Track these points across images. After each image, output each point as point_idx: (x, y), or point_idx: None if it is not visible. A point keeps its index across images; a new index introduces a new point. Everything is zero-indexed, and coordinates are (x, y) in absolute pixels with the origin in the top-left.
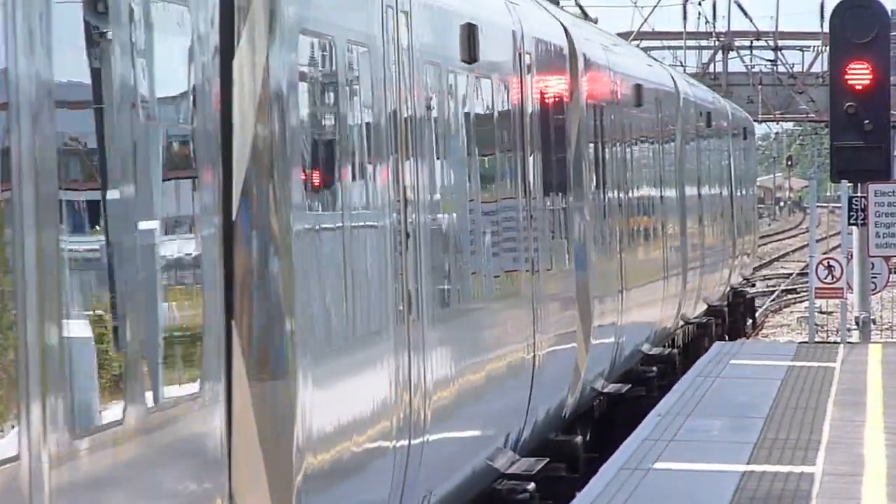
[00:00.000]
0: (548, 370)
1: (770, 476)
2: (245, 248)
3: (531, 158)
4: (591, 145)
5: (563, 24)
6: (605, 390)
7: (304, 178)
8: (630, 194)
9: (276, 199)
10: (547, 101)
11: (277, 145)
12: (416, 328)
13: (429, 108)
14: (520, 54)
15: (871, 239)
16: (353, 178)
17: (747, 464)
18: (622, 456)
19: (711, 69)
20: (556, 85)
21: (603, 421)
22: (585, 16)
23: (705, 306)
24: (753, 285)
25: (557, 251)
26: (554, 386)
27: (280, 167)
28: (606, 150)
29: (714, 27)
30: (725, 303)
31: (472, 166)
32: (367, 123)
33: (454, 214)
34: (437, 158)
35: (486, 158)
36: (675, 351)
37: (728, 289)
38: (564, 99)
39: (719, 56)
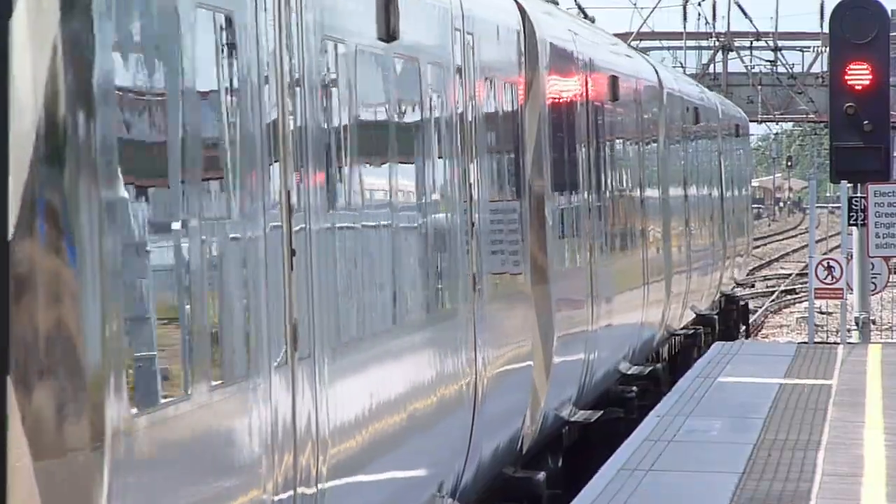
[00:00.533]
0: (495, 400)
1: (769, 477)
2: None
3: (474, 160)
4: (556, 144)
5: (518, 2)
6: (574, 418)
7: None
8: (604, 196)
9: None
10: (496, 92)
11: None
12: (304, 368)
13: (326, 96)
14: (458, 34)
15: (871, 239)
16: (204, 184)
17: (747, 464)
18: (622, 457)
19: (711, 70)
20: (507, 74)
21: (577, 448)
22: (584, 15)
23: (693, 315)
24: (753, 285)
25: (508, 261)
26: (504, 417)
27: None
28: (575, 150)
29: (714, 28)
30: (716, 311)
31: (392, 170)
32: (225, 120)
33: (362, 226)
34: (342, 163)
35: (412, 161)
36: (660, 366)
37: (719, 295)
38: (519, 91)
39: (719, 56)
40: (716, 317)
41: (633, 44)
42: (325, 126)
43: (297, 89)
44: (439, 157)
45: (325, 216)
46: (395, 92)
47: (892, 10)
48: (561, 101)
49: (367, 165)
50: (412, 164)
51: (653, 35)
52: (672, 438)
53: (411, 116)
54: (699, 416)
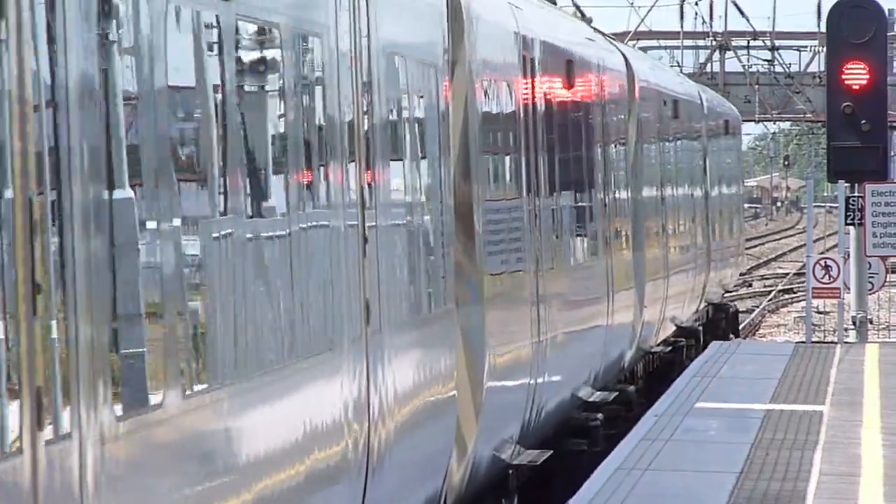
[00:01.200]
0: (399, 456)
1: (767, 476)
2: None
3: (374, 161)
4: (490, 141)
5: None
6: (517, 461)
7: None
8: (556, 199)
9: None
10: (403, 74)
11: None
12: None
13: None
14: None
15: (868, 239)
16: None
17: (744, 464)
18: (619, 456)
19: (708, 69)
20: (421, 53)
21: (535, 484)
22: (582, 15)
23: (674, 328)
24: (750, 284)
25: (419, 282)
26: (415, 476)
27: None
28: (518, 148)
29: (711, 27)
30: (700, 322)
31: (244, 173)
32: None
33: (189, 244)
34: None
35: (278, 157)
36: (631, 388)
37: (702, 304)
38: (439, 74)
39: (716, 56)
40: (700, 329)
41: (631, 43)
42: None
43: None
44: (320, 162)
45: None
46: (235, 64)
47: (889, 10)
48: (497, 89)
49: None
50: (281, 163)
51: (650, 34)
52: (669, 438)
53: (257, 98)
54: (696, 415)
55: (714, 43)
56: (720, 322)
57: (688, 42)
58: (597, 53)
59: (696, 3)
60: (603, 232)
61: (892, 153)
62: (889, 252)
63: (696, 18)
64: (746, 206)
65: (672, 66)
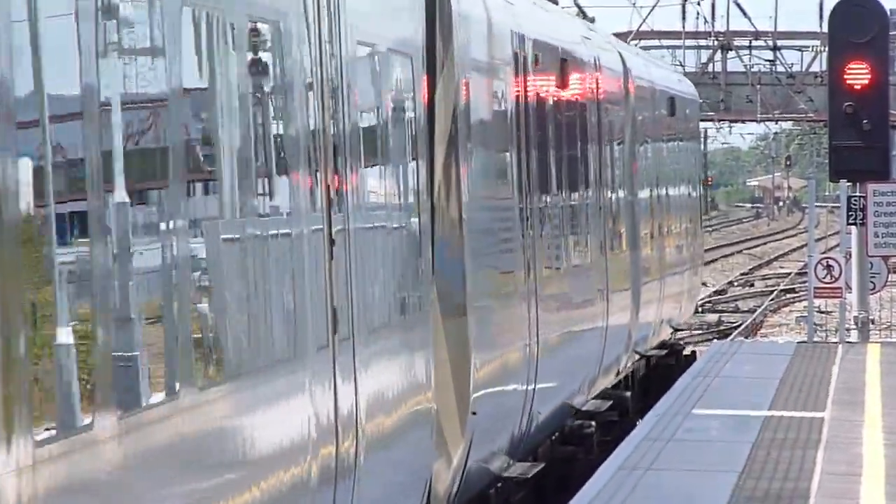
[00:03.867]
0: (370, 475)
1: (768, 475)
2: None
3: (344, 166)
4: (482, 141)
5: None
6: (507, 474)
7: None
8: (549, 200)
9: None
10: (382, 70)
11: None
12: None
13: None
14: None
15: (870, 238)
16: None
17: (746, 463)
18: (620, 456)
19: (710, 69)
20: (398, 46)
21: (528, 496)
22: (584, 15)
23: (583, 397)
24: (752, 284)
25: (390, 296)
26: (388, 495)
27: None
28: (503, 149)
29: (713, 27)
30: (629, 373)
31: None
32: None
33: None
34: None
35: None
36: (628, 394)
37: (629, 354)
38: (416, 70)
39: (718, 56)
40: (627, 396)
41: (633, 42)
42: None
43: None
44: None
45: None
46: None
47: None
48: (486, 87)
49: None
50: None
51: (652, 34)
52: (671, 437)
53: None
54: (698, 415)
55: (716, 43)
56: (669, 369)
57: (690, 42)
58: (590, 51)
59: (698, 3)
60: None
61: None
62: (891, 252)
63: (697, 18)
64: (748, 205)
65: (674, 66)
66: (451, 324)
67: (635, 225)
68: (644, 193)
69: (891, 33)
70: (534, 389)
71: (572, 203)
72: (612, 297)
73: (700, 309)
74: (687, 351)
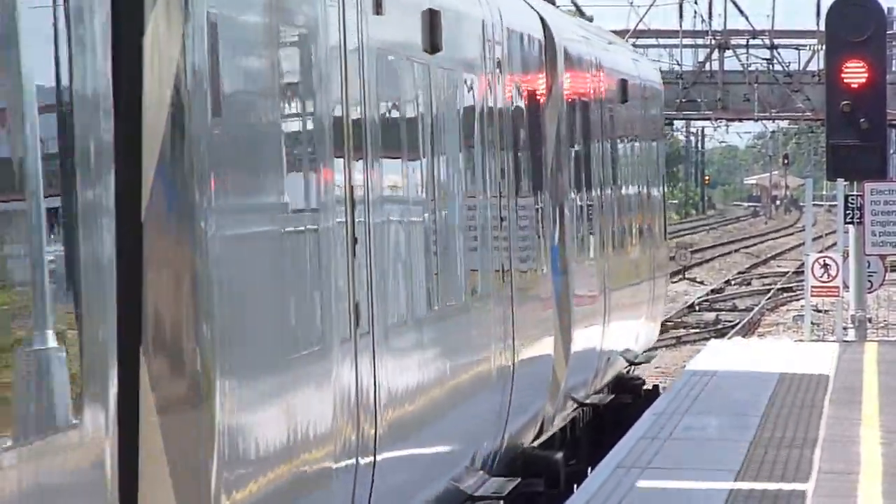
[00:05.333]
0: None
1: (766, 474)
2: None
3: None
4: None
5: None
6: None
7: None
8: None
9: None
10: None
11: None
12: None
13: None
14: None
15: (867, 237)
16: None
17: (743, 462)
18: (618, 455)
19: (707, 68)
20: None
21: None
22: (581, 14)
23: (478, 476)
24: (749, 283)
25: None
26: None
27: None
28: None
29: (710, 26)
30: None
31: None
32: None
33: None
34: None
35: None
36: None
37: (560, 403)
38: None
39: (715, 55)
40: (558, 459)
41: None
42: None
43: None
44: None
45: None
46: None
47: (888, 9)
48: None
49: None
50: None
51: (649, 33)
52: (668, 436)
53: None
54: (695, 414)
55: (713, 42)
56: (621, 412)
57: (687, 41)
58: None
59: (696, 2)
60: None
61: (892, 151)
62: (888, 250)
63: (695, 17)
64: (746, 204)
65: (671, 65)
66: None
67: (563, 236)
68: (580, 197)
69: (888, 32)
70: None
71: (448, 222)
72: (524, 331)
73: (697, 308)
74: (648, 385)
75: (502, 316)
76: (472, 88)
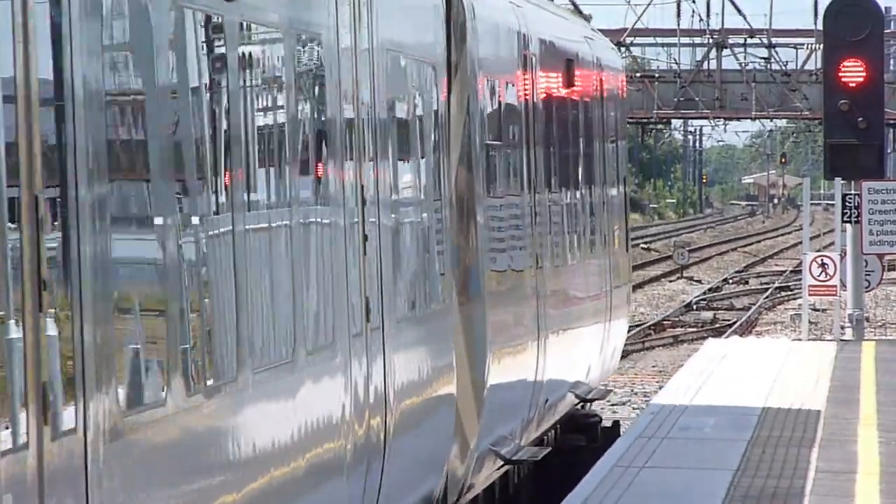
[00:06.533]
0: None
1: (764, 473)
2: None
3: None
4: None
5: None
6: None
7: None
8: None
9: None
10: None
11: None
12: None
13: None
14: None
15: (865, 236)
16: None
17: (741, 461)
18: (615, 454)
19: (705, 67)
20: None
21: None
22: (579, 13)
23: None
24: (746, 282)
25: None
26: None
27: None
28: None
29: (708, 25)
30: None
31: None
32: None
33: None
34: None
35: None
36: None
37: (477, 461)
38: None
39: (713, 54)
40: None
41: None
42: None
43: None
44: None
45: None
46: None
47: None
48: None
49: None
50: None
51: (647, 32)
52: (666, 435)
53: None
54: (693, 413)
55: (711, 41)
56: (575, 454)
57: (685, 40)
58: None
59: (693, 1)
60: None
61: (889, 150)
62: (886, 249)
63: (692, 16)
64: (743, 203)
65: (669, 64)
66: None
67: (473, 253)
68: (501, 203)
69: (886, 31)
70: None
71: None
72: (405, 383)
73: (695, 307)
74: (607, 420)
75: (363, 374)
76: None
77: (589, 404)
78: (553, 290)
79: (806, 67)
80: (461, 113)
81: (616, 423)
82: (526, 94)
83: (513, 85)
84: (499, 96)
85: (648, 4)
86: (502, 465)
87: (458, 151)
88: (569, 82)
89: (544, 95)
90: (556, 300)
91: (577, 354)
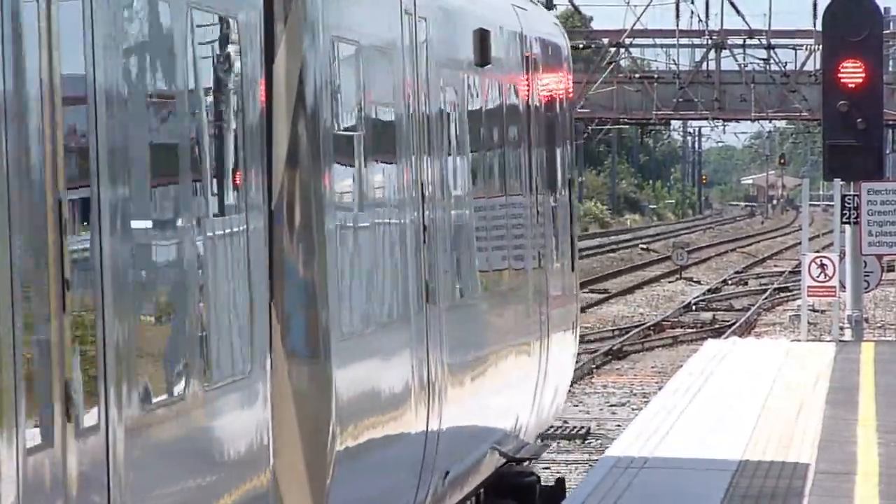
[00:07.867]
0: None
1: (762, 473)
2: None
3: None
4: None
5: None
6: None
7: None
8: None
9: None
10: None
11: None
12: None
13: None
14: None
15: (864, 237)
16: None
17: (740, 461)
18: (614, 454)
19: (704, 67)
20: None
21: None
22: (579, 13)
23: None
24: (745, 283)
25: None
26: None
27: None
28: None
29: (707, 26)
30: None
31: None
32: None
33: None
34: None
35: None
36: None
37: None
38: None
39: (712, 55)
40: None
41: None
42: None
43: None
44: None
45: None
46: None
47: (884, 9)
48: None
49: None
50: None
51: (646, 33)
52: (665, 435)
53: None
54: (693, 412)
55: (710, 42)
56: None
57: (684, 41)
58: None
59: (692, 2)
60: None
61: (888, 151)
62: (885, 250)
63: (692, 17)
64: (742, 204)
65: (668, 64)
66: None
67: (316, 286)
68: (370, 216)
69: (885, 32)
70: None
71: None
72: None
73: (694, 307)
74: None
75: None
76: None
77: (525, 462)
78: (453, 328)
79: (805, 68)
80: (289, 91)
81: (560, 481)
82: (411, 68)
83: (385, 54)
84: (361, 69)
85: (647, 5)
86: None
87: (286, 144)
88: (483, 60)
89: (445, 75)
90: (457, 341)
91: (499, 403)
